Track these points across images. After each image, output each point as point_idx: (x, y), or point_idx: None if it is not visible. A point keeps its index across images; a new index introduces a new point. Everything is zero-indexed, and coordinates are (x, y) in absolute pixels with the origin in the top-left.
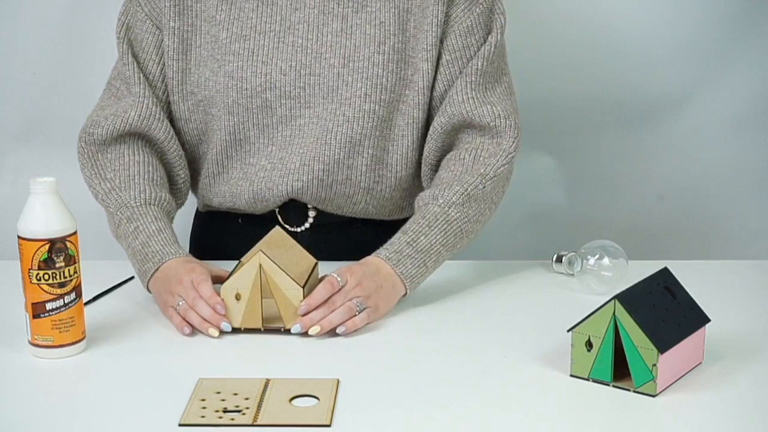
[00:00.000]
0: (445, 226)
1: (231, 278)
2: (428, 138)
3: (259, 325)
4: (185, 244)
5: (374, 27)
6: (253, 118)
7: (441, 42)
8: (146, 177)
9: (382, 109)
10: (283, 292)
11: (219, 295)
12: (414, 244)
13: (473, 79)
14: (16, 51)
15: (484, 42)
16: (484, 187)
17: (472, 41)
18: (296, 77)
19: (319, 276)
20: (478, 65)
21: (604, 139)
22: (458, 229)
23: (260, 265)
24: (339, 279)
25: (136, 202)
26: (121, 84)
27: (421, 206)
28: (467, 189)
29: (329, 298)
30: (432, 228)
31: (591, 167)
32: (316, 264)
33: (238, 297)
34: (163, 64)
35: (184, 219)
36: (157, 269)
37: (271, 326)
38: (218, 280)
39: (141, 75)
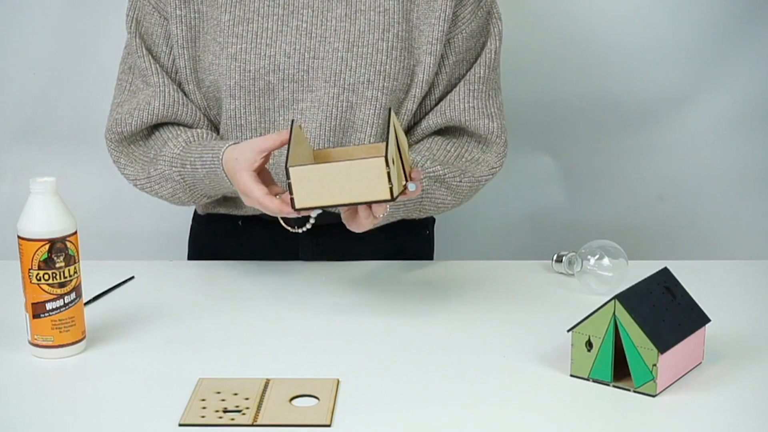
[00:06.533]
0: None
1: (389, 149)
2: (413, 131)
3: (402, 186)
4: (183, 246)
5: (378, 13)
6: (255, 101)
7: (448, 42)
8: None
9: (385, 97)
10: (404, 145)
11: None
12: None
13: (476, 87)
14: (16, 51)
15: (482, 47)
16: (460, 181)
17: (473, 44)
18: (300, 60)
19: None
20: (480, 73)
21: (604, 139)
22: (420, 199)
23: (393, 124)
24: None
25: (178, 149)
26: (134, 78)
27: None
28: (446, 174)
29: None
30: None
31: (591, 167)
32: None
33: (393, 162)
34: (174, 55)
35: (183, 222)
36: (224, 170)
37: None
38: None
39: (157, 65)
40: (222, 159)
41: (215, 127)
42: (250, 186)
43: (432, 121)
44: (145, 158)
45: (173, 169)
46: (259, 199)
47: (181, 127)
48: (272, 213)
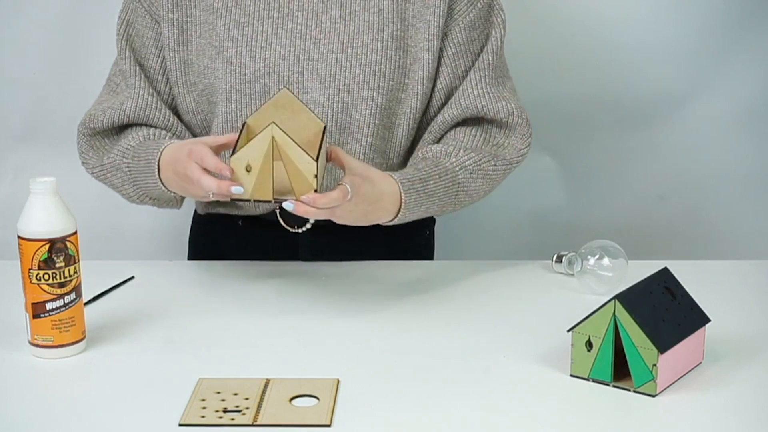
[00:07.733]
0: (450, 184)
1: (242, 150)
2: (431, 128)
3: (269, 197)
4: (183, 246)
5: (373, 14)
6: (251, 104)
7: (445, 35)
8: (145, 133)
9: (381, 97)
10: (295, 165)
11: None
12: (425, 183)
13: (487, 73)
14: (16, 51)
15: (487, 37)
16: (495, 165)
17: (475, 35)
18: (295, 62)
19: (326, 143)
20: (489, 60)
21: (604, 139)
22: (456, 192)
23: (273, 137)
24: (349, 192)
25: (135, 142)
26: (120, 80)
27: (430, 156)
28: (481, 160)
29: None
30: (441, 179)
31: (591, 167)
32: (325, 128)
33: (248, 168)
34: (164, 58)
35: (183, 222)
36: (158, 164)
37: (281, 198)
38: (224, 147)
39: (137, 68)
40: (164, 149)
41: (192, 132)
42: (202, 152)
43: (448, 114)
44: (105, 150)
45: (123, 160)
46: (197, 165)
47: (152, 128)
48: (200, 182)
